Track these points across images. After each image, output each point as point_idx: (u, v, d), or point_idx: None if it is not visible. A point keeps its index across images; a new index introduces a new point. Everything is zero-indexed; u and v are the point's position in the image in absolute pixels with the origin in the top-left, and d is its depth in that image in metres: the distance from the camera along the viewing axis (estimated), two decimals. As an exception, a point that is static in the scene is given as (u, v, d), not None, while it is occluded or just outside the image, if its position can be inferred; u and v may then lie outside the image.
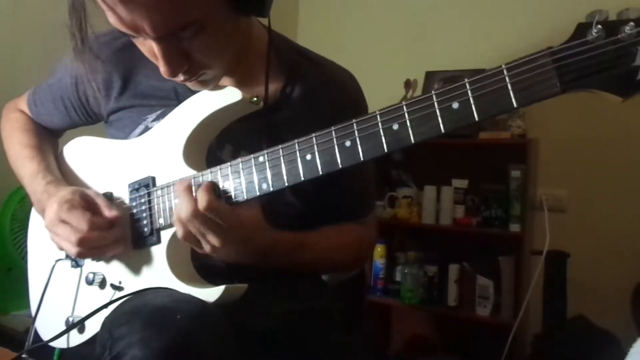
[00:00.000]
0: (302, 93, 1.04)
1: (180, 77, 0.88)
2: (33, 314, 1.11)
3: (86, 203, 0.98)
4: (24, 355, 1.03)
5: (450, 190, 2.70)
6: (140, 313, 0.80)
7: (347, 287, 2.58)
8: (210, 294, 0.86)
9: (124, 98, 1.06)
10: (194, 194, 0.85)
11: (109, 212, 0.97)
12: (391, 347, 2.97)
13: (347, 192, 1.11)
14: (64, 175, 1.14)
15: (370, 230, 1.19)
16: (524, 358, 2.51)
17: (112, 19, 0.80)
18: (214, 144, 1.00)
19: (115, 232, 0.97)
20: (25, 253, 1.73)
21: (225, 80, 0.99)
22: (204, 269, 0.95)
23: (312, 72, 1.07)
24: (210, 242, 0.86)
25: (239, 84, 1.01)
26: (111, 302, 0.95)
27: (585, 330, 2.30)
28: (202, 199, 0.83)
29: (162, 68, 0.85)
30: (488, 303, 2.56)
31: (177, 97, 1.01)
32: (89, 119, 1.15)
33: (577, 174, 2.64)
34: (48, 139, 1.21)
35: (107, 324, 0.85)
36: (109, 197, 1.03)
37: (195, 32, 0.82)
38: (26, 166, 1.10)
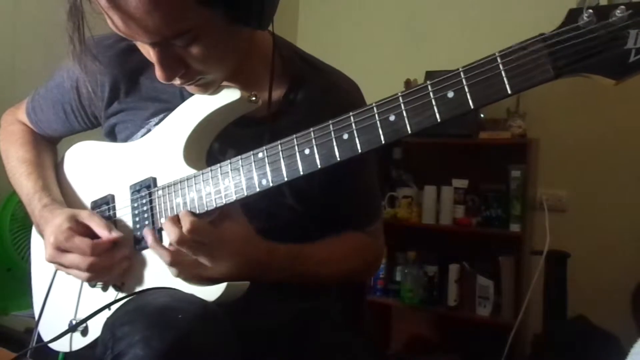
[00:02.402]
0: (305, 99, 1.04)
1: (177, 82, 0.89)
2: (36, 316, 1.11)
3: (83, 228, 0.97)
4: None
5: (450, 190, 2.71)
6: (142, 313, 0.80)
7: (347, 287, 2.58)
8: (212, 292, 0.86)
9: (128, 100, 1.06)
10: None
11: (108, 234, 0.96)
12: (391, 347, 2.96)
13: (350, 197, 1.10)
14: (66, 182, 1.14)
15: (377, 240, 1.17)
16: (524, 358, 2.51)
17: (109, 22, 0.81)
18: (216, 149, 1.00)
19: (119, 251, 0.97)
20: (25, 253, 1.75)
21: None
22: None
23: (316, 79, 1.07)
24: (202, 263, 0.87)
25: (243, 89, 1.02)
26: (113, 302, 0.96)
27: (585, 330, 2.30)
28: (184, 222, 0.85)
29: (158, 72, 0.85)
30: (488, 303, 2.57)
31: (183, 98, 1.01)
32: (89, 123, 1.15)
33: (577, 174, 2.65)
34: (46, 149, 1.20)
35: (109, 323, 0.85)
36: (110, 199, 1.03)
37: (190, 41, 0.82)
38: (23, 185, 1.10)
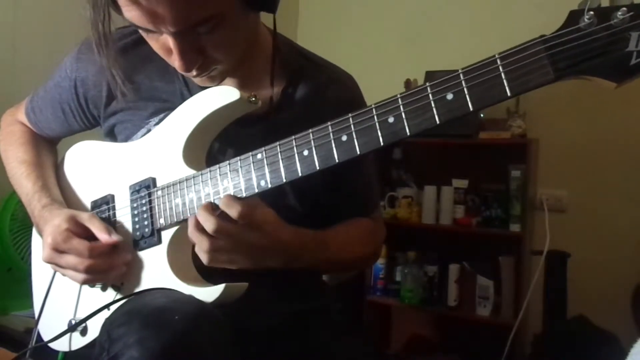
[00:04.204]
0: (303, 94, 1.05)
1: (193, 73, 0.89)
2: (36, 316, 1.11)
3: (82, 229, 0.97)
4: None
5: (450, 190, 2.71)
6: (138, 314, 0.80)
7: (347, 287, 2.59)
8: (211, 293, 0.86)
9: (127, 100, 1.05)
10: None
11: (107, 237, 0.96)
12: (391, 347, 2.96)
13: (354, 189, 1.12)
14: (66, 182, 1.14)
15: (381, 225, 1.19)
16: (524, 358, 2.51)
17: (131, 14, 0.81)
18: (216, 149, 1.00)
19: (118, 255, 0.97)
20: (25, 253, 1.75)
21: (228, 81, 1.00)
22: (204, 269, 0.94)
23: (314, 74, 1.07)
24: (243, 251, 0.86)
25: (242, 86, 1.02)
26: (112, 303, 0.95)
27: (585, 330, 2.30)
28: (235, 206, 0.83)
29: (177, 63, 0.86)
30: (488, 303, 2.56)
31: (183, 98, 1.01)
32: (87, 123, 1.15)
33: (577, 174, 2.64)
34: (46, 150, 1.20)
35: (106, 324, 0.85)
36: (110, 199, 1.03)
37: (213, 27, 0.83)
38: (23, 185, 1.10)
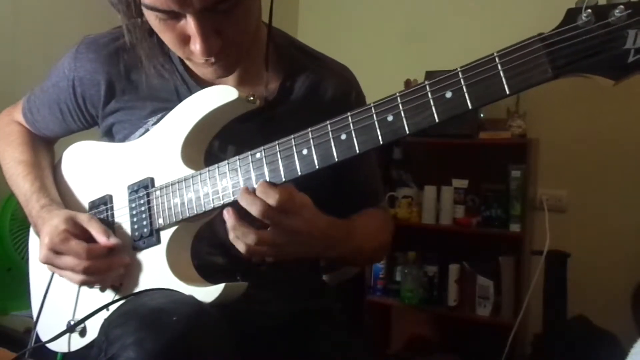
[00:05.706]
0: (301, 87, 1.05)
1: (212, 59, 0.89)
2: (35, 317, 1.11)
3: (80, 231, 0.97)
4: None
5: (450, 190, 2.71)
6: (136, 314, 0.80)
7: (347, 287, 2.58)
8: (210, 292, 0.86)
9: (125, 99, 1.05)
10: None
11: (106, 240, 0.95)
12: (391, 347, 2.96)
13: (357, 184, 1.12)
14: (64, 182, 1.13)
15: (389, 213, 1.19)
16: (524, 358, 2.51)
17: None
18: (216, 147, 1.00)
19: (116, 257, 0.96)
20: (25, 253, 1.75)
21: (227, 79, 1.00)
22: (204, 269, 0.95)
23: (311, 67, 1.08)
24: (287, 239, 0.84)
25: (242, 81, 1.02)
26: (110, 303, 0.95)
27: (585, 330, 2.30)
28: (273, 194, 0.81)
29: (199, 46, 0.84)
30: (488, 303, 2.56)
31: (179, 97, 1.01)
32: (85, 123, 1.14)
33: (577, 174, 2.64)
34: (43, 150, 1.20)
35: (104, 325, 0.85)
36: (108, 200, 1.03)
37: (233, 5, 0.83)
38: (20, 185, 1.09)
